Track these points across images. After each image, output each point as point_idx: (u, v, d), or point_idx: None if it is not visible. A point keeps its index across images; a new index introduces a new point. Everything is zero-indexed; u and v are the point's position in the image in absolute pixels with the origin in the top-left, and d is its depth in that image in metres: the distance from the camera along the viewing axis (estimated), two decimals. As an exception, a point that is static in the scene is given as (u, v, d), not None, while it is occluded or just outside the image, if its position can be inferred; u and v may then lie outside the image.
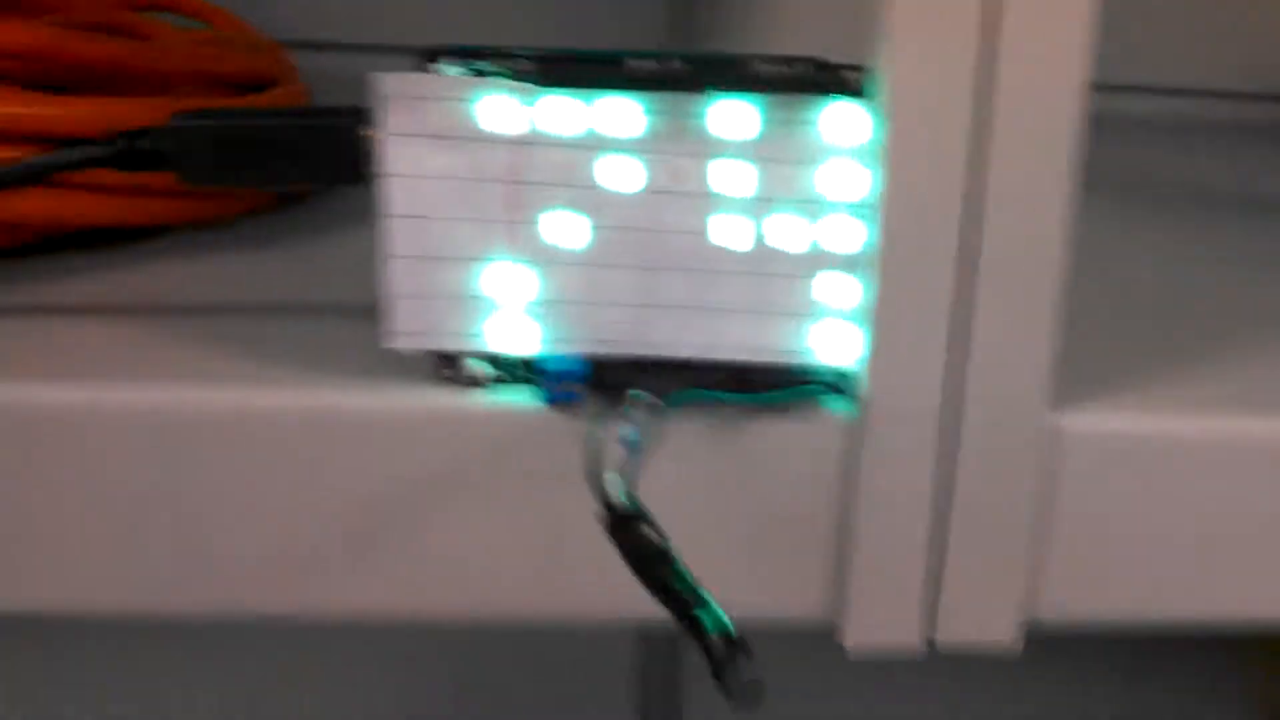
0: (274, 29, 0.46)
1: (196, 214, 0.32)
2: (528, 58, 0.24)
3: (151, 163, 0.25)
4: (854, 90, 0.24)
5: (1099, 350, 0.29)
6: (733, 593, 0.22)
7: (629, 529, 0.22)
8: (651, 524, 0.22)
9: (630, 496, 0.22)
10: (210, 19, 0.44)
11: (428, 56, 0.24)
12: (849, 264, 0.25)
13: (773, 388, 0.25)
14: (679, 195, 0.24)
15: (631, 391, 0.24)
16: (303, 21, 0.53)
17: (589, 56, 0.24)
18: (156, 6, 0.44)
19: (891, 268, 0.25)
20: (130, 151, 0.25)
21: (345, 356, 0.25)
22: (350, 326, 0.27)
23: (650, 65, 0.24)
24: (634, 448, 0.23)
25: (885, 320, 0.25)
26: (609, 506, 0.22)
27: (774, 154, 0.24)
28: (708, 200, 0.25)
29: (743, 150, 0.24)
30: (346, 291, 0.29)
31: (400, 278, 0.24)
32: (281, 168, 0.24)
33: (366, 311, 0.24)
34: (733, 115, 0.24)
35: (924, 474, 0.26)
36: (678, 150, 0.24)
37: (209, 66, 0.33)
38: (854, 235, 0.25)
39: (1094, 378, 0.27)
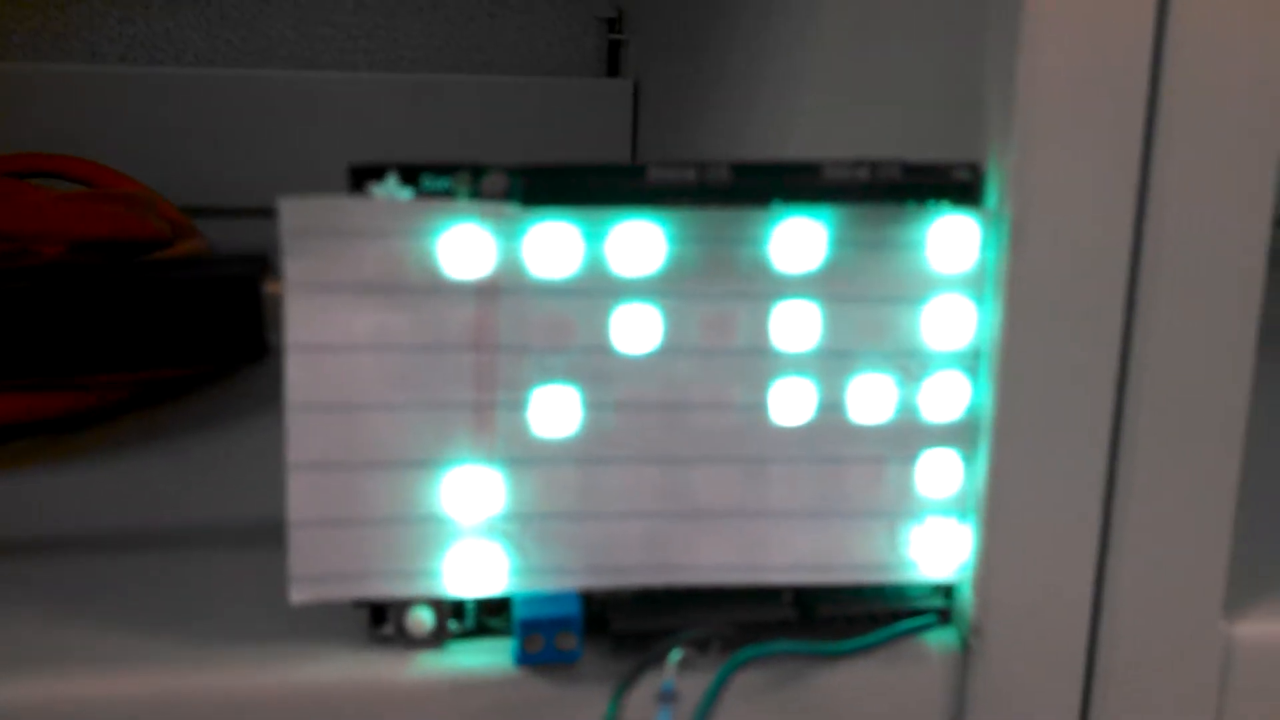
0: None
1: (40, 411, 0.24)
2: (507, 171, 0.16)
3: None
4: (966, 197, 0.17)
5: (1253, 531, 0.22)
6: None
7: None
8: None
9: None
10: (98, 180, 0.37)
11: (360, 175, 0.16)
12: (952, 437, 0.18)
13: (852, 624, 0.18)
14: (718, 356, 0.17)
15: (671, 650, 0.16)
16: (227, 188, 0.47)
17: (591, 167, 0.17)
18: (39, 172, 0.38)
19: (1012, 438, 0.18)
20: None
21: (241, 608, 0.19)
22: (247, 559, 0.20)
23: (683, 174, 0.17)
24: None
25: (1004, 512, 0.18)
26: None
27: (853, 290, 0.17)
28: (760, 360, 0.17)
29: (812, 288, 0.17)
30: (242, 507, 0.22)
31: (307, 498, 0.16)
32: (135, 345, 0.16)
33: (271, 536, 0.16)
34: (799, 239, 0.17)
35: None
36: (718, 291, 0.17)
37: (64, 224, 0.26)
38: (959, 397, 0.18)
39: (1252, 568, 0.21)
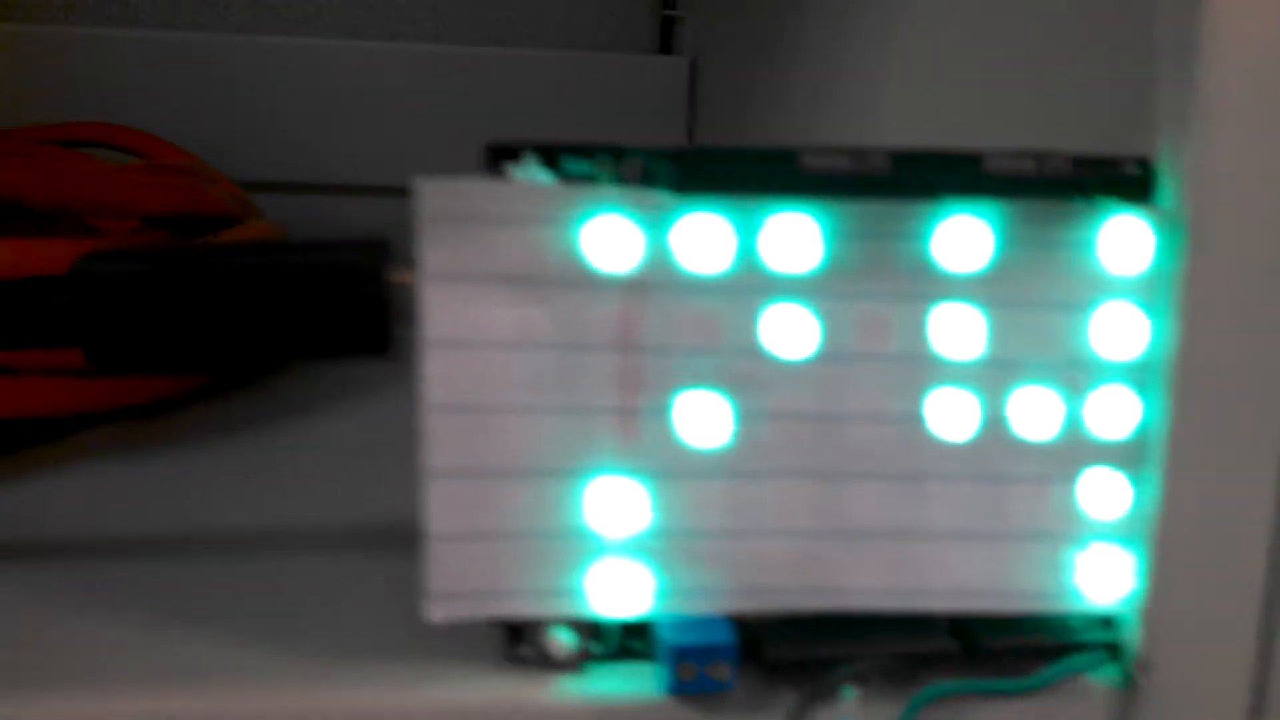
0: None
1: (114, 398, 0.23)
2: (654, 155, 0.15)
3: (41, 334, 0.15)
4: (1136, 194, 0.16)
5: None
6: None
7: None
8: None
9: None
10: (148, 150, 0.36)
11: (497, 154, 0.15)
12: (1120, 456, 0.17)
13: (1015, 657, 0.16)
14: (877, 361, 0.16)
15: (841, 685, 0.15)
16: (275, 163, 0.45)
17: (743, 152, 0.15)
18: (85, 142, 0.36)
19: (1185, 459, 0.16)
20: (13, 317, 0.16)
21: (361, 621, 0.17)
22: (366, 565, 0.17)
23: (839, 161, 0.15)
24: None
25: (1175, 539, 0.17)
26: None
27: (1020, 294, 0.16)
28: (921, 367, 0.16)
29: (974, 290, 0.16)
30: (341, 508, 0.20)
31: (447, 508, 0.15)
32: (249, 337, 0.15)
33: (383, 539, 0.15)
34: (963, 236, 0.16)
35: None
36: (877, 291, 0.16)
37: (131, 197, 0.25)
38: (1129, 413, 0.17)
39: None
